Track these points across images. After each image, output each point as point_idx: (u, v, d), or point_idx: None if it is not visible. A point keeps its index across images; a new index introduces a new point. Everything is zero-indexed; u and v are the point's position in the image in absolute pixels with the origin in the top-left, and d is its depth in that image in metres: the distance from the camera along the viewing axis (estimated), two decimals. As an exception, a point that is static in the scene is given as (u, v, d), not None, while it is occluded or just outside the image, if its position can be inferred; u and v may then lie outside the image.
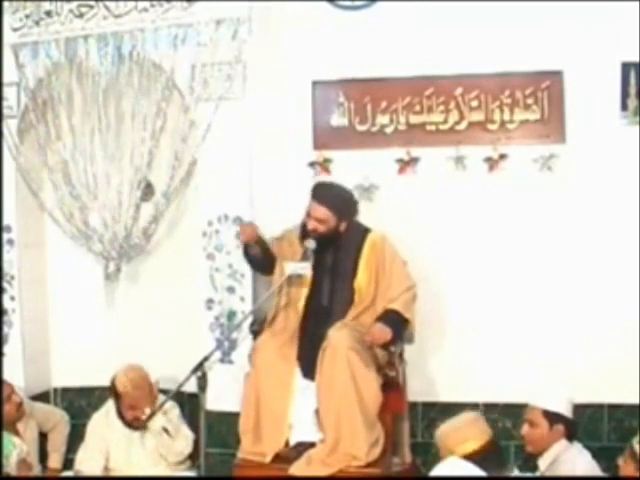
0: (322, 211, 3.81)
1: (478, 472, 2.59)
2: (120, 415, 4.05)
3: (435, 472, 2.63)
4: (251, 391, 3.79)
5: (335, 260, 3.90)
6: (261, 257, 3.99)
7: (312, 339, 3.78)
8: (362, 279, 3.87)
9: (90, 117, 4.35)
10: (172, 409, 4.05)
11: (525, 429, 3.47)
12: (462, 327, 4.18)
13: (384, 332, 3.71)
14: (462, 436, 2.91)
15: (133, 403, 3.99)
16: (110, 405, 4.13)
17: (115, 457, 4.08)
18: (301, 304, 3.92)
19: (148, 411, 3.93)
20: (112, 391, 4.08)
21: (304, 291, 3.92)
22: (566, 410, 3.46)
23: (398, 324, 3.79)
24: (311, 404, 3.73)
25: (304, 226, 3.90)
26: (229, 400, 4.05)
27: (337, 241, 3.88)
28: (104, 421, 4.14)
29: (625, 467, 2.89)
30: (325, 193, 3.88)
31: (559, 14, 4.00)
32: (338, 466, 3.60)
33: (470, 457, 2.79)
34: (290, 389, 3.75)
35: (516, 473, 3.33)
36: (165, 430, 3.99)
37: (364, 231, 3.95)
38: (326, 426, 3.67)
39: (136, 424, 3.99)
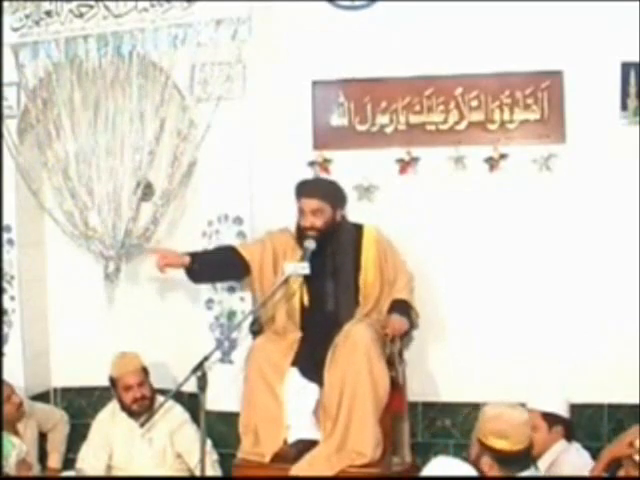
0: (315, 203, 3.78)
1: (469, 469, 2.60)
2: (123, 407, 4.05)
3: (426, 470, 2.63)
4: (249, 392, 3.79)
5: (335, 262, 3.86)
6: (211, 266, 3.95)
7: (317, 341, 3.76)
8: (368, 277, 3.86)
9: (90, 117, 4.35)
10: (184, 424, 4.07)
11: (524, 432, 3.47)
12: (463, 327, 4.18)
13: (402, 322, 3.72)
14: (502, 431, 2.78)
15: (127, 384, 4.01)
16: (115, 404, 4.14)
17: (118, 455, 4.09)
18: (296, 304, 3.90)
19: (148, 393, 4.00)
20: (111, 383, 4.10)
21: (297, 290, 3.89)
22: (564, 411, 3.47)
23: (409, 313, 3.81)
24: (309, 404, 3.73)
25: (299, 229, 3.87)
26: (229, 400, 4.06)
27: (336, 234, 3.84)
28: (109, 419, 4.15)
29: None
30: (311, 186, 3.89)
31: (559, 14, 4.00)
32: (341, 466, 3.59)
33: (495, 452, 2.78)
34: (281, 393, 3.73)
35: None
36: (179, 456, 4.06)
37: (358, 228, 3.93)
38: (335, 421, 3.64)
39: (137, 408, 3.99)
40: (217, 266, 3.98)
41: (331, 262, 3.86)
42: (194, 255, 3.91)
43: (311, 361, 3.73)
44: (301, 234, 3.84)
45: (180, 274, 4.38)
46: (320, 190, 3.86)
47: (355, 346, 3.63)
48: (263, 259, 3.92)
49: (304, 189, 3.85)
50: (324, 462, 3.59)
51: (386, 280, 3.89)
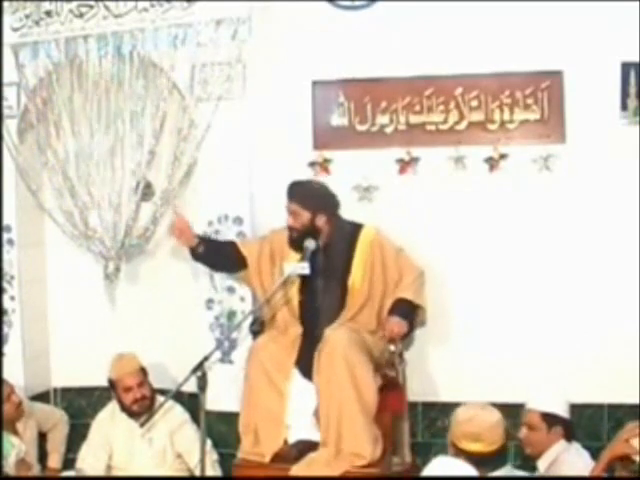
0: (292, 207, 3.86)
1: (469, 469, 2.59)
2: (123, 408, 4.06)
3: (427, 470, 2.63)
4: (249, 391, 3.79)
5: (326, 260, 3.87)
6: (213, 254, 4.04)
7: (309, 340, 3.78)
8: (356, 277, 3.86)
9: (90, 117, 4.35)
10: (184, 424, 4.07)
11: (524, 432, 3.47)
12: (463, 327, 4.18)
13: (401, 325, 3.71)
14: (475, 434, 2.82)
15: (127, 386, 4.01)
16: (115, 404, 4.15)
17: (118, 455, 4.10)
18: (294, 301, 3.92)
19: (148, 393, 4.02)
20: (110, 385, 4.11)
21: (295, 290, 3.91)
22: (563, 411, 3.47)
23: (411, 314, 3.79)
24: (310, 405, 3.73)
25: (290, 229, 3.91)
26: (229, 400, 4.06)
27: (318, 237, 3.85)
28: (109, 419, 4.16)
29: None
30: (294, 189, 3.92)
31: (559, 14, 4.00)
32: (341, 469, 3.59)
33: (469, 454, 2.79)
34: (285, 391, 3.74)
35: None
36: (179, 456, 4.06)
37: (355, 228, 3.93)
38: (327, 427, 3.65)
39: (138, 409, 4.00)
40: (217, 256, 4.07)
41: (322, 259, 3.87)
42: (202, 239, 4.02)
43: (310, 362, 3.73)
44: (290, 236, 3.91)
45: (179, 274, 4.39)
46: (298, 194, 3.89)
47: (333, 352, 3.64)
48: (261, 255, 3.99)
49: (288, 191, 3.92)
50: (324, 466, 3.59)
51: (390, 281, 3.88)
